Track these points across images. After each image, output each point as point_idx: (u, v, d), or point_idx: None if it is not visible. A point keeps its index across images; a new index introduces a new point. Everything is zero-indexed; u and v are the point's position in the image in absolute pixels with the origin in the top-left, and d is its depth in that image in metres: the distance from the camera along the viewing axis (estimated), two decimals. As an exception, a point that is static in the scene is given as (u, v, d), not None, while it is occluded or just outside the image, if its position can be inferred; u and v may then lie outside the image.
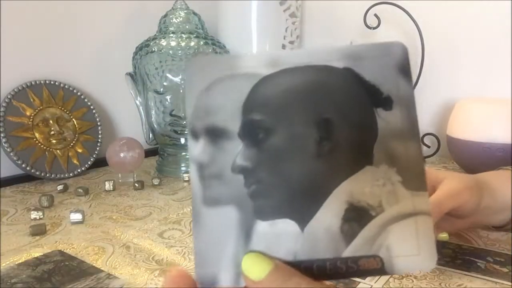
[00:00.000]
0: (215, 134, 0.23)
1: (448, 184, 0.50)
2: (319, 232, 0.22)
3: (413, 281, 0.43)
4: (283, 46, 1.06)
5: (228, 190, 0.22)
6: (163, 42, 0.84)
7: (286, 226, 0.22)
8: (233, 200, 0.22)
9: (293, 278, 0.20)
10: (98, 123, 0.96)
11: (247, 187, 0.22)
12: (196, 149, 0.22)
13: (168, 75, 0.85)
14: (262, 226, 0.22)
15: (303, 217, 0.22)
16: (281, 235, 0.22)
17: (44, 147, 0.86)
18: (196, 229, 0.22)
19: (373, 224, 0.22)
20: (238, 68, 0.23)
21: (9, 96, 0.84)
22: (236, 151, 0.22)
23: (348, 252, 0.22)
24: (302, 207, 0.22)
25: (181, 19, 0.88)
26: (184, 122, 0.87)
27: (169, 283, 0.21)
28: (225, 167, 0.22)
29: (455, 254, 0.49)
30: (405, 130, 0.23)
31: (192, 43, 0.84)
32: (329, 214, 0.22)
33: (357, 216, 0.22)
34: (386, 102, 0.23)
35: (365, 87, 0.23)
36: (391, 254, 0.21)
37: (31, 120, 0.86)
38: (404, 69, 0.23)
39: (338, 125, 0.22)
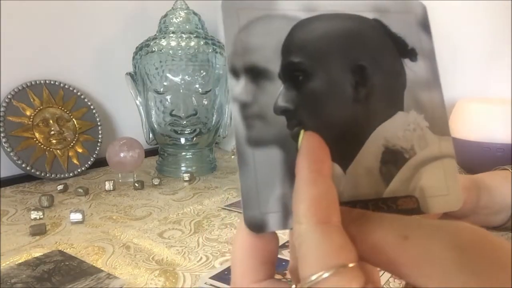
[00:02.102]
0: (255, 73, 0.22)
1: None
2: (360, 174, 0.22)
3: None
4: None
5: (271, 130, 0.22)
6: (163, 42, 0.84)
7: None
8: (276, 141, 0.22)
9: (356, 209, 0.21)
10: (98, 123, 0.96)
11: (290, 128, 0.22)
12: (238, 87, 0.22)
13: (168, 75, 0.85)
14: None
15: (344, 159, 0.22)
16: None
17: (44, 147, 0.86)
18: (241, 170, 0.21)
19: (408, 166, 0.23)
20: (275, 10, 0.23)
21: (9, 96, 0.84)
22: (277, 91, 0.22)
23: (388, 192, 0.22)
24: (342, 150, 0.22)
25: (181, 19, 0.88)
26: (184, 122, 0.87)
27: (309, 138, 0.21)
28: (267, 107, 0.22)
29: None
30: (430, 79, 0.24)
31: (192, 43, 0.84)
32: (368, 157, 0.23)
33: (393, 159, 0.23)
34: (412, 53, 0.24)
35: (392, 38, 0.24)
36: (424, 194, 0.23)
37: (31, 120, 0.86)
38: (425, 25, 0.25)
39: (371, 71, 0.23)
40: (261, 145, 0.22)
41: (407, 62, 0.24)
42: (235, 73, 0.22)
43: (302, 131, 0.21)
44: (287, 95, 0.22)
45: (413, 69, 0.24)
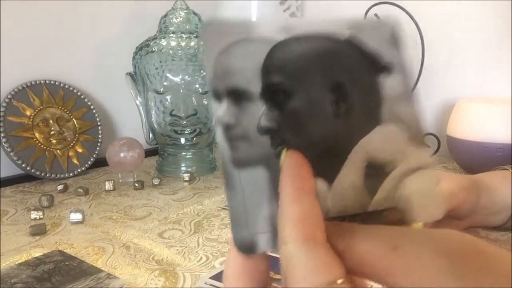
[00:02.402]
0: (237, 95, 0.23)
1: (445, 185, 0.50)
2: (346, 188, 0.23)
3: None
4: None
5: (256, 151, 0.22)
6: (163, 42, 0.84)
7: (316, 184, 0.22)
8: (262, 161, 0.22)
9: (344, 222, 0.21)
10: (98, 123, 0.96)
11: (274, 147, 0.22)
12: (220, 110, 0.22)
13: (168, 75, 0.85)
14: None
15: (329, 175, 0.23)
16: None
17: (44, 147, 0.86)
18: (229, 191, 0.21)
19: (390, 178, 0.23)
20: (253, 32, 0.23)
21: (9, 96, 0.84)
22: (259, 112, 0.23)
23: (373, 205, 0.23)
24: (327, 165, 0.23)
25: (181, 19, 0.88)
26: (184, 122, 0.87)
27: (290, 157, 0.21)
28: (250, 128, 0.22)
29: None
30: (404, 93, 0.25)
31: (192, 43, 0.84)
32: (351, 171, 0.23)
33: (375, 172, 0.23)
34: (386, 69, 0.25)
35: (367, 55, 0.25)
36: (408, 205, 0.23)
37: (31, 120, 0.86)
38: (396, 41, 0.26)
39: (350, 88, 0.24)
40: (247, 166, 0.22)
41: (382, 77, 0.25)
42: (217, 96, 0.23)
43: (284, 150, 0.22)
44: (270, 115, 0.23)
45: (389, 84, 0.25)
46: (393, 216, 0.23)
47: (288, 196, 0.20)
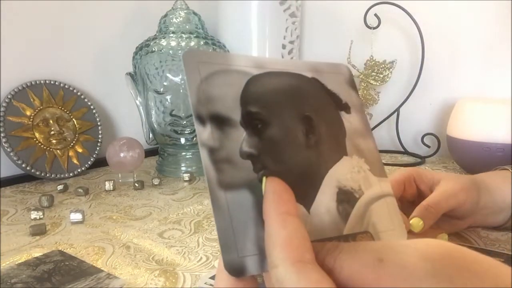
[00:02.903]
0: (220, 121, 0.24)
1: (445, 185, 0.50)
2: (322, 213, 0.24)
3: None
4: (283, 46, 1.06)
5: (240, 174, 0.23)
6: (163, 42, 0.84)
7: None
8: (246, 184, 0.23)
9: (331, 241, 0.21)
10: (98, 123, 0.96)
11: (256, 171, 0.23)
12: (204, 134, 0.23)
13: (168, 75, 0.85)
14: None
15: (306, 200, 0.24)
16: None
17: (44, 147, 0.86)
18: (216, 213, 0.22)
19: (359, 204, 0.25)
20: (231, 65, 0.25)
21: (9, 96, 0.84)
22: (241, 137, 0.24)
23: (347, 229, 0.24)
24: (303, 192, 0.24)
25: (181, 19, 0.89)
26: (184, 122, 0.87)
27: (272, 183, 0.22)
28: (233, 152, 0.23)
29: (455, 254, 0.49)
30: (363, 129, 0.28)
31: (192, 43, 0.84)
32: (326, 197, 0.25)
33: (346, 198, 0.25)
34: (346, 107, 0.28)
35: (329, 94, 0.28)
36: (376, 229, 0.25)
37: (31, 120, 0.86)
38: (352, 84, 0.29)
39: (317, 121, 0.26)
40: (232, 188, 0.22)
41: (343, 114, 0.27)
42: (201, 120, 0.23)
43: (264, 178, 0.23)
44: (250, 141, 0.24)
45: (349, 120, 0.27)
46: (365, 239, 0.24)
47: (273, 220, 0.20)
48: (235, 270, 0.21)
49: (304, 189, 0.24)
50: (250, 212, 0.22)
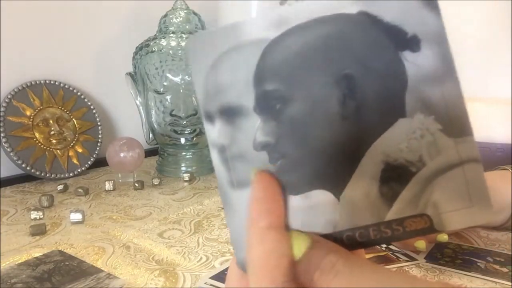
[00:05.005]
0: (230, 113, 0.21)
1: None
2: (356, 199, 0.20)
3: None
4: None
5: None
6: (163, 42, 0.84)
7: (321, 197, 0.20)
8: None
9: (328, 256, 0.18)
10: (98, 123, 0.96)
11: (273, 163, 0.21)
12: (214, 132, 0.21)
13: (168, 75, 0.85)
14: (295, 201, 0.20)
15: (337, 186, 0.20)
16: (317, 207, 0.20)
17: (44, 147, 0.86)
18: (227, 212, 0.21)
19: (415, 181, 0.20)
20: (242, 36, 0.21)
21: (9, 96, 0.84)
22: (255, 127, 0.21)
23: (392, 214, 0.20)
24: (334, 175, 0.20)
25: (181, 19, 0.88)
26: (184, 122, 0.87)
27: (259, 180, 0.20)
28: (246, 146, 0.21)
29: (455, 254, 0.49)
30: (439, 70, 0.20)
31: (192, 43, 0.84)
32: (364, 179, 0.20)
33: (396, 176, 0.20)
34: (413, 42, 0.20)
35: (385, 29, 0.20)
36: (439, 210, 0.20)
37: (31, 120, 0.86)
38: (429, 2, 0.21)
39: (361, 79, 0.20)
40: (244, 186, 0.21)
41: (407, 55, 0.20)
42: (210, 117, 0.21)
43: (253, 171, 0.20)
44: (266, 128, 0.21)
45: (416, 62, 0.20)
46: (418, 225, 0.20)
47: (252, 233, 0.19)
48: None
49: (335, 172, 0.20)
50: None
